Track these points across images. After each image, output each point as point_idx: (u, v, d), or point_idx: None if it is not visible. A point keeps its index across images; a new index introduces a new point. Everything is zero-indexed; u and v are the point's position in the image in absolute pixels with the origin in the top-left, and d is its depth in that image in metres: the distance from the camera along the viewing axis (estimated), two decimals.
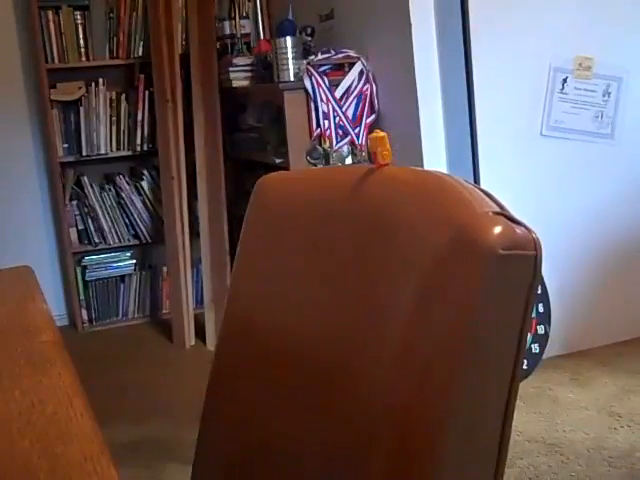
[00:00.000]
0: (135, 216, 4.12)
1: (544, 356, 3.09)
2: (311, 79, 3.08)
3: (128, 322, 4.17)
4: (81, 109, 3.95)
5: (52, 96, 3.89)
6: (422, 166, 2.92)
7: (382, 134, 0.98)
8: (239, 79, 3.57)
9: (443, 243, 0.85)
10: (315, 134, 3.09)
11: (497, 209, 0.84)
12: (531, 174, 3.06)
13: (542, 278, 2.94)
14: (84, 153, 3.98)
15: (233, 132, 3.95)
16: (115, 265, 4.14)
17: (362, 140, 3.15)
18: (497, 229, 0.81)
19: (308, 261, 1.06)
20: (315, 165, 3.08)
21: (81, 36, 3.92)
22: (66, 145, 3.99)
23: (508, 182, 3.00)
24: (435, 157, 2.95)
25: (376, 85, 3.18)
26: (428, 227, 0.88)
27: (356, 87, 3.14)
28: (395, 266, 0.91)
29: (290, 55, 3.14)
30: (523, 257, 0.82)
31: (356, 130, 3.13)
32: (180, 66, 3.73)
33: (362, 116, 3.15)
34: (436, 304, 0.85)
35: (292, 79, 3.14)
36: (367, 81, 3.16)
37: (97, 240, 4.07)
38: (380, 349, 0.91)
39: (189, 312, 3.78)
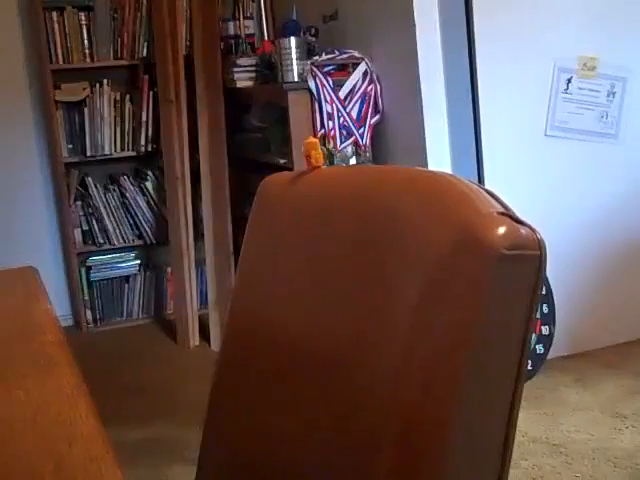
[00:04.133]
0: (139, 217, 4.12)
1: (548, 357, 3.09)
2: (315, 79, 3.08)
3: (132, 322, 4.17)
4: (85, 110, 3.95)
5: (56, 97, 3.89)
6: (426, 166, 2.92)
7: (314, 139, 1.08)
8: (243, 79, 3.57)
9: (447, 243, 0.85)
10: (319, 135, 3.09)
11: (501, 209, 0.84)
12: (535, 174, 3.06)
13: (547, 279, 2.94)
14: (88, 154, 3.98)
15: (237, 132, 3.95)
16: (119, 265, 4.14)
17: (366, 140, 3.15)
18: (501, 229, 0.81)
19: (312, 261, 1.06)
20: None
21: (85, 37, 3.92)
22: (70, 146, 3.99)
23: (512, 182, 2.99)
24: (439, 157, 2.95)
25: (380, 85, 3.18)
26: (432, 227, 0.88)
27: (360, 87, 3.14)
28: (399, 266, 0.91)
29: (294, 55, 3.14)
30: (527, 257, 0.82)
31: (360, 130, 3.13)
32: (184, 67, 3.73)
33: (366, 116, 3.15)
34: (440, 304, 0.84)
35: (296, 79, 3.14)
36: (371, 81, 3.16)
37: (101, 241, 4.08)
38: (384, 349, 0.91)
39: (193, 312, 3.78)
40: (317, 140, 1.10)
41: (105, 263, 4.11)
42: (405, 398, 0.86)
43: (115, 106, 4.00)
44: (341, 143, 3.11)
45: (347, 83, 3.13)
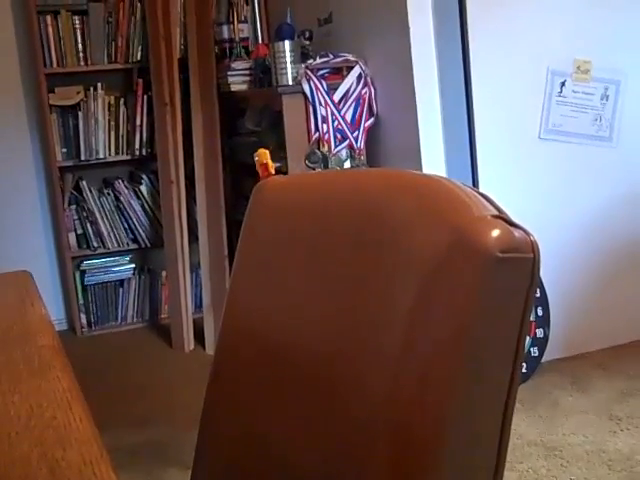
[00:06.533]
0: (134, 220, 4.12)
1: (543, 359, 3.09)
2: (309, 83, 3.08)
3: (127, 326, 4.17)
4: (80, 114, 3.95)
5: (51, 101, 3.89)
6: (421, 170, 2.92)
7: (264, 150, 1.11)
8: (237, 83, 3.57)
9: (441, 246, 0.85)
10: (314, 138, 3.09)
11: (495, 212, 0.84)
12: (529, 177, 3.06)
13: (541, 281, 2.94)
14: (83, 158, 3.98)
15: (232, 136, 3.95)
16: (114, 269, 4.14)
17: (361, 144, 3.15)
18: (495, 232, 0.81)
19: (306, 265, 1.06)
20: (313, 169, 3.08)
21: (80, 41, 3.92)
22: (65, 150, 3.99)
23: (507, 185, 3.00)
24: (434, 160, 2.95)
25: (375, 89, 3.18)
26: (426, 231, 0.88)
27: (354, 91, 3.14)
28: (394, 269, 0.91)
29: (288, 59, 3.14)
30: (521, 260, 0.82)
31: (355, 134, 3.14)
32: (179, 70, 3.73)
33: (361, 120, 3.15)
34: (434, 307, 0.85)
35: (290, 83, 3.14)
36: (365, 85, 3.16)
37: (96, 244, 4.07)
38: (379, 352, 0.91)
39: (188, 316, 3.77)
40: (267, 151, 1.14)
41: (100, 267, 4.11)
42: (401, 401, 0.86)
43: (109, 110, 4.00)
44: (335, 146, 3.11)
45: (341, 86, 3.13)
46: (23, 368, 1.08)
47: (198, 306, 3.98)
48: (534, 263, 0.83)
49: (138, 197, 4.12)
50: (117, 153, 4.06)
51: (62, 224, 4.01)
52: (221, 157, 3.75)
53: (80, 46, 3.92)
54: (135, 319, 4.20)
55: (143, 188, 4.11)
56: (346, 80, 3.14)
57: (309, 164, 3.09)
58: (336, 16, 3.46)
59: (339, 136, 3.12)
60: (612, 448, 2.49)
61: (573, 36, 3.02)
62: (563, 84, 3.04)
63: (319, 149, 3.10)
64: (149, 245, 4.15)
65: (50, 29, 3.85)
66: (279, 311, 1.10)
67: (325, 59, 3.18)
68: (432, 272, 0.85)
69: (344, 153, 3.14)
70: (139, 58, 4.00)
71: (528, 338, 3.00)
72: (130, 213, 4.11)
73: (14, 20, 3.94)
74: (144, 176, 4.11)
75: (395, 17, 2.95)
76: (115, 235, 4.10)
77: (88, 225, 4.07)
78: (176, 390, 3.29)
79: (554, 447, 2.53)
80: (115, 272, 4.14)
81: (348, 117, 3.13)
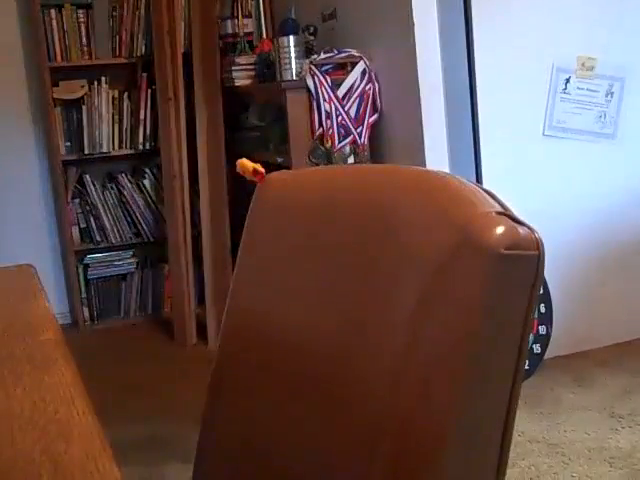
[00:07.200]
0: (137, 214, 4.12)
1: (546, 356, 3.09)
2: (313, 78, 3.08)
3: (130, 320, 4.17)
4: (83, 107, 3.95)
5: (54, 95, 3.89)
6: (424, 166, 2.92)
7: (243, 160, 1.14)
8: (241, 78, 3.57)
9: (445, 243, 0.85)
10: (317, 134, 3.09)
11: (500, 209, 0.84)
12: (533, 174, 3.06)
13: (544, 278, 2.94)
14: (86, 151, 3.98)
15: (235, 131, 3.95)
16: (117, 264, 4.14)
17: (364, 140, 3.15)
18: (499, 229, 0.81)
19: (310, 262, 1.06)
20: (317, 165, 3.08)
21: (84, 34, 3.92)
22: (68, 143, 3.99)
23: (510, 182, 2.99)
24: (437, 157, 2.95)
25: (379, 84, 3.18)
26: (430, 227, 0.88)
27: (358, 86, 3.14)
28: (397, 267, 0.91)
29: (292, 54, 3.14)
30: (525, 257, 0.82)
31: (358, 130, 3.13)
32: (182, 65, 3.73)
33: (364, 116, 3.15)
34: (438, 304, 0.84)
35: (294, 78, 3.14)
36: (370, 80, 3.16)
37: (99, 238, 4.07)
38: (382, 351, 0.91)
39: (191, 311, 3.78)
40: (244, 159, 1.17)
41: (102, 261, 4.11)
42: (404, 399, 0.86)
43: (113, 104, 4.00)
44: (339, 142, 3.10)
45: (345, 82, 3.12)
46: (26, 362, 1.09)
47: (200, 301, 3.98)
48: (538, 260, 0.82)
49: (141, 191, 4.12)
50: (120, 147, 4.05)
51: (65, 218, 4.01)
52: (224, 152, 3.75)
53: (84, 40, 3.92)
54: (138, 313, 4.20)
55: (146, 182, 4.11)
56: (350, 76, 3.13)
57: (312, 160, 3.08)
58: (340, 11, 3.46)
59: (342, 132, 3.11)
60: (614, 445, 2.49)
61: (578, 33, 3.01)
62: (567, 81, 3.03)
63: (322, 145, 3.09)
64: (152, 239, 4.15)
65: (54, 23, 3.84)
66: (282, 307, 1.10)
67: (329, 54, 3.17)
68: (436, 269, 0.85)
69: (347, 149, 3.14)
70: (143, 52, 4.00)
71: (531, 335, 3.00)
72: (133, 207, 4.11)
73: (18, 14, 3.93)
74: (147, 170, 4.11)
75: (400, 13, 2.95)
76: (118, 229, 4.10)
77: (91, 219, 4.07)
78: (178, 384, 3.29)
79: (556, 444, 2.53)
80: (118, 266, 4.15)
81: (352, 113, 3.12)
